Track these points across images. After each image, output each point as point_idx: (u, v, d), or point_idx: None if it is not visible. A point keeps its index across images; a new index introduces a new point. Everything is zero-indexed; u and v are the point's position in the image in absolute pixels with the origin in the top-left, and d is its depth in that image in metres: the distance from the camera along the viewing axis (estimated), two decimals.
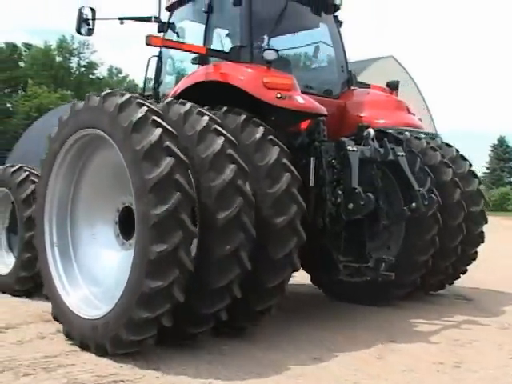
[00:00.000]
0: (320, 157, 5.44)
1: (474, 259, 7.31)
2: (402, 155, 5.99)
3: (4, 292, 6.83)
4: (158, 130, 4.19)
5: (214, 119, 4.65)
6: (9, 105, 63.25)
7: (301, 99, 5.24)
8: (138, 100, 4.44)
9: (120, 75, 70.00)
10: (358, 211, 5.35)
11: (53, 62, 67.41)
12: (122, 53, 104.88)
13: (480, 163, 63.78)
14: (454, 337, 5.45)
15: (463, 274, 7.41)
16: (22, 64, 68.02)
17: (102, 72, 70.70)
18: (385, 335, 5.41)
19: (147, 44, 5.47)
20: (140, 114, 4.26)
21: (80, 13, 6.17)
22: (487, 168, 66.83)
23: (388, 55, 30.25)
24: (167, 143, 4.16)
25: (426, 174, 6.32)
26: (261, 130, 4.86)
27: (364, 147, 5.76)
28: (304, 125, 5.68)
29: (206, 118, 4.57)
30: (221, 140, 4.46)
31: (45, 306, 5.61)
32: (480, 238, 7.16)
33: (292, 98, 5.16)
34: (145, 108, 4.33)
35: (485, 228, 7.17)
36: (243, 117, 4.93)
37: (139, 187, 4.13)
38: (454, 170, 6.78)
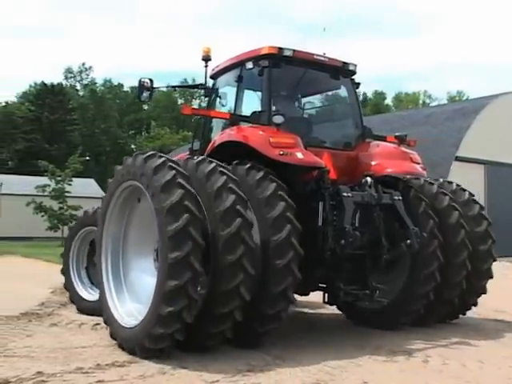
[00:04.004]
0: (324, 201, 6.88)
1: (491, 277, 8.30)
2: (399, 199, 7.33)
3: (92, 315, 8.40)
4: (172, 172, 5.93)
5: (219, 164, 6.32)
6: (133, 146, 69.12)
7: (300, 155, 6.69)
8: (159, 154, 6.26)
9: None
10: (348, 246, 6.69)
11: (175, 104, 72.54)
12: None
13: None
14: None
15: (482, 293, 8.39)
16: (145, 107, 74.02)
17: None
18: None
19: (180, 113, 7.32)
20: (159, 162, 6.06)
21: (141, 83, 7.95)
22: None
23: (510, 91, 29.36)
24: (179, 180, 5.89)
25: (421, 200, 7.60)
26: (261, 172, 6.48)
27: (361, 193, 7.18)
28: (313, 175, 7.11)
29: (213, 164, 6.28)
30: (223, 177, 6.12)
31: None
32: (489, 255, 8.22)
33: (293, 154, 6.64)
34: (163, 158, 6.12)
35: None
36: (248, 165, 6.57)
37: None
38: (450, 197, 8.01)
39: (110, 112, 69.73)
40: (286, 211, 6.27)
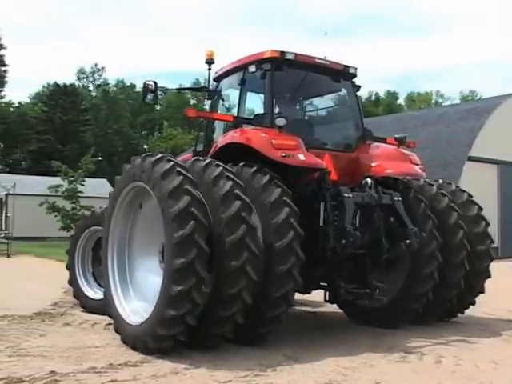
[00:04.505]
0: (326, 202, 7.02)
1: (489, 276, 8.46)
2: (399, 200, 7.47)
3: (98, 314, 8.61)
4: (180, 177, 6.09)
5: (226, 169, 6.44)
6: (145, 146, 69.57)
7: (302, 156, 6.81)
8: (168, 158, 6.41)
9: None
10: (349, 246, 6.84)
11: (187, 104, 72.61)
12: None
13: None
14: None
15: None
16: (157, 107, 74.36)
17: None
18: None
19: (185, 115, 7.43)
20: (167, 167, 6.21)
21: (145, 85, 8.11)
22: None
23: None
24: (186, 186, 6.04)
25: (420, 201, 7.79)
26: (267, 176, 6.59)
27: (361, 193, 7.32)
28: (314, 176, 7.24)
29: (220, 168, 6.40)
30: (230, 183, 6.25)
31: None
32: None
33: (295, 156, 6.77)
34: (171, 163, 6.28)
35: None
36: (254, 168, 6.70)
37: (166, 218, 6.00)
38: (449, 198, 8.24)
39: (122, 112, 70.16)
40: (290, 217, 6.40)
